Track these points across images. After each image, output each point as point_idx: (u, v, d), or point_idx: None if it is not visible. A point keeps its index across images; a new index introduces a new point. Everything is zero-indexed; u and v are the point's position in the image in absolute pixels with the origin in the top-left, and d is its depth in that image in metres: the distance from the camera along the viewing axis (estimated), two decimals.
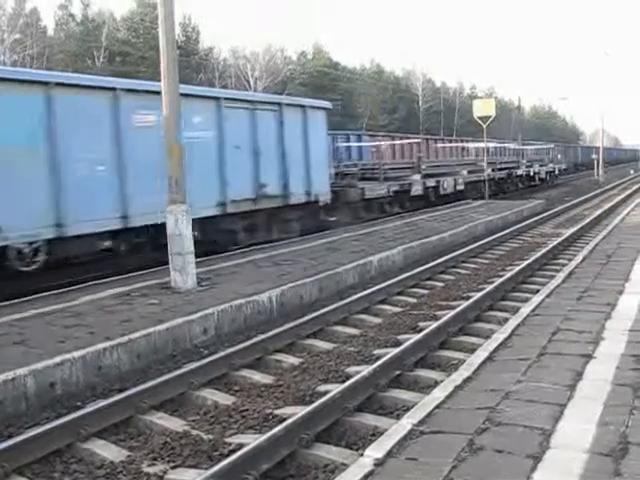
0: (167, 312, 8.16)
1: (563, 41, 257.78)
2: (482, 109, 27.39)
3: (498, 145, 41.58)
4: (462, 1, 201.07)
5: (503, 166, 32.65)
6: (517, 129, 73.94)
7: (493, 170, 29.89)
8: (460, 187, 25.45)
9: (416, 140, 32.37)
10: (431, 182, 23.29)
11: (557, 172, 42.28)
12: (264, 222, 14.68)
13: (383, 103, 76.44)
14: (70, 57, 53.09)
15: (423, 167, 23.99)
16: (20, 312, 8.38)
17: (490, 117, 26.47)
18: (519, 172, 33.77)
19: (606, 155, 60.28)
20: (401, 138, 32.40)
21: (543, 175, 38.03)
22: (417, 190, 22.12)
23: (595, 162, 52.04)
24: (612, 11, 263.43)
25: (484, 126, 26.33)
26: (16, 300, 9.08)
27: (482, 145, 32.85)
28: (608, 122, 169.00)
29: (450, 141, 37.75)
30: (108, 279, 10.49)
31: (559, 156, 52.26)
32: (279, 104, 15.25)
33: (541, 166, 38.36)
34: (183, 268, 9.52)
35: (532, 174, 36.13)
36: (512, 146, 44.45)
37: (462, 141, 39.84)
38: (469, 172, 27.33)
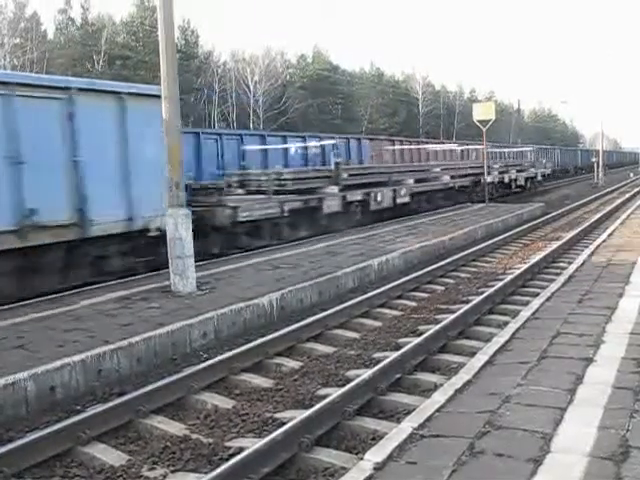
0: (167, 316, 8.16)
1: (563, 44, 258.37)
2: (482, 113, 27.36)
3: (462, 148, 38.20)
4: (462, 5, 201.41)
5: (468, 172, 28.05)
6: (517, 132, 74.12)
7: (453, 177, 25.89)
8: (403, 200, 20.89)
9: (331, 142, 25.14)
10: (355, 195, 18.39)
11: (540, 178, 37.89)
12: (48, 266, 10.31)
13: (383, 107, 76.48)
14: (70, 61, 53.14)
15: (344, 176, 18.60)
16: (20, 316, 8.38)
17: (490, 121, 26.46)
18: (489, 179, 28.64)
19: (606, 158, 60.32)
20: (322, 139, 26.47)
21: (522, 182, 33.61)
22: (332, 206, 17.28)
23: (595, 165, 51.97)
24: (612, 14, 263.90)
25: (484, 130, 26.33)
26: (16, 304, 9.08)
27: (440, 148, 31.21)
28: (608, 125, 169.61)
29: (402, 142, 31.76)
30: (108, 283, 10.49)
31: (543, 160, 47.88)
32: (67, 89, 10.50)
33: (519, 172, 33.90)
34: (183, 272, 9.52)
35: (507, 181, 31.69)
36: (484, 149, 40.77)
37: (419, 143, 34.43)
38: (417, 181, 22.95)
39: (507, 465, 3.71)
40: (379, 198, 19.28)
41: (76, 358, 6.49)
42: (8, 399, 5.79)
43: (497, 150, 42.33)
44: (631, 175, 58.89)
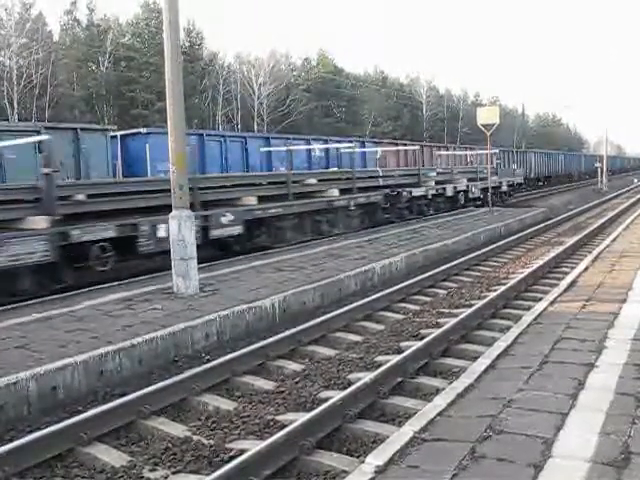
0: (169, 317, 8.16)
1: (568, 49, 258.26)
2: (486, 117, 27.26)
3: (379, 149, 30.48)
4: (467, 9, 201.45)
5: (381, 183, 20.33)
6: (521, 137, 74.13)
7: (343, 191, 17.92)
8: (222, 233, 12.94)
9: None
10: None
11: (506, 189, 30.81)
12: None
13: (387, 110, 76.53)
14: (75, 62, 53.25)
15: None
16: (22, 316, 8.39)
17: (494, 125, 26.43)
18: (419, 192, 21.57)
19: (610, 163, 60.23)
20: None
21: (477, 194, 26.37)
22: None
23: (598, 170, 51.91)
24: (616, 20, 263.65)
25: (488, 134, 26.30)
26: (18, 304, 9.10)
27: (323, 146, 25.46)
28: (612, 130, 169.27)
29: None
30: (111, 284, 10.50)
31: (513, 166, 40.54)
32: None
33: (471, 180, 26.65)
34: (186, 273, 9.53)
35: (451, 194, 24.27)
36: (412, 149, 32.85)
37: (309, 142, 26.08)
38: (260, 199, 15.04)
39: (508, 470, 3.70)
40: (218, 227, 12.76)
41: (78, 358, 6.49)
42: (10, 399, 5.80)
43: (444, 153, 36.61)
44: (635, 181, 58.83)
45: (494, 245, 15.99)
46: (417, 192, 21.45)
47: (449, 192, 24.06)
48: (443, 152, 36.99)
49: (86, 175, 15.95)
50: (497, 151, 38.25)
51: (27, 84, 47.34)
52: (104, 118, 50.96)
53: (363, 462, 4.02)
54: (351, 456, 4.90)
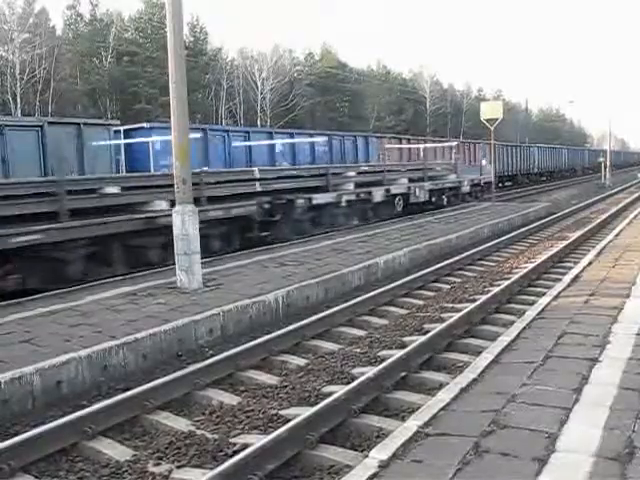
0: (173, 312, 8.17)
1: (572, 44, 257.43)
2: (489, 112, 27.29)
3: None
4: (470, 3, 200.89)
5: (259, 189, 14.85)
6: (524, 131, 73.98)
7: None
8: None
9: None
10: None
11: (469, 189, 25.84)
12: None
13: (390, 105, 76.39)
14: (78, 57, 53.25)
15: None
16: (26, 311, 8.41)
17: (498, 119, 26.40)
18: (324, 199, 16.48)
19: (613, 158, 60.08)
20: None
21: (423, 198, 21.52)
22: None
23: (602, 165, 51.80)
24: (620, 15, 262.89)
25: (491, 128, 26.28)
26: (22, 299, 9.12)
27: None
28: (615, 125, 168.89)
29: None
30: (115, 278, 10.51)
31: (482, 161, 33.89)
32: None
33: (415, 182, 21.70)
34: (189, 268, 9.53)
35: (381, 199, 19.04)
36: (320, 140, 24.92)
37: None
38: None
39: (512, 464, 3.70)
40: None
41: (82, 353, 6.51)
42: (14, 393, 5.82)
43: (395, 146, 30.47)
44: (639, 175, 58.68)
45: (498, 240, 15.98)
46: (321, 199, 16.00)
47: (378, 197, 18.74)
48: (394, 145, 30.61)
49: (90, 170, 15.93)
50: (455, 144, 33.92)
51: (30, 79, 47.38)
52: (107, 113, 50.97)
53: (367, 457, 4.02)
54: (355, 451, 4.90)
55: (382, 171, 20.87)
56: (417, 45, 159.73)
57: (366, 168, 21.23)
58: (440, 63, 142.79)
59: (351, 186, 18.19)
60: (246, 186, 14.58)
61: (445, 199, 23.38)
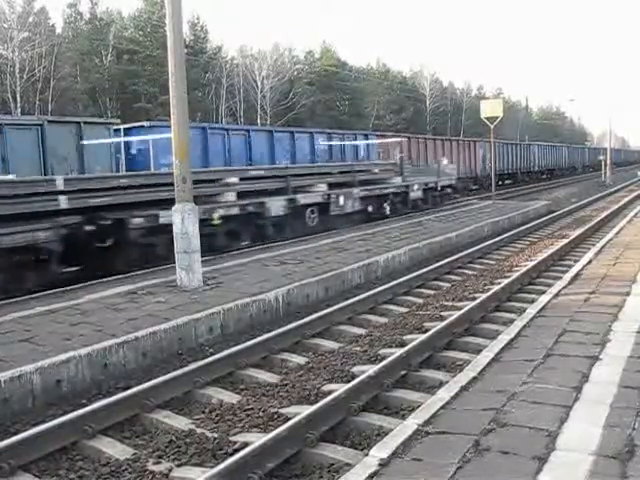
0: (173, 310, 8.17)
1: (571, 42, 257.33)
2: (489, 110, 27.21)
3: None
4: (471, 1, 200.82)
5: (63, 206, 10.71)
6: (524, 130, 73.96)
7: None
8: None
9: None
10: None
11: (419, 194, 21.50)
12: None
13: (390, 103, 76.34)
14: (78, 55, 53.19)
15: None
16: (26, 309, 8.41)
17: (498, 118, 26.36)
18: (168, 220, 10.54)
19: (613, 156, 60.04)
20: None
21: (351, 207, 17.54)
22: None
23: (602, 163, 51.77)
24: (620, 13, 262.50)
25: (491, 127, 26.24)
26: (21, 297, 9.11)
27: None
28: (616, 123, 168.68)
29: None
30: (113, 277, 10.51)
31: (443, 161, 27.93)
32: None
33: (338, 188, 17.39)
34: (189, 266, 9.53)
35: (286, 212, 15.19)
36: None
37: None
38: None
39: (512, 463, 3.70)
40: None
41: (82, 352, 6.51)
42: (15, 392, 5.82)
43: (325, 143, 25.24)
44: (639, 173, 58.65)
45: (498, 238, 15.97)
46: (165, 219, 10.95)
47: (276, 210, 14.79)
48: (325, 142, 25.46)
49: (90, 169, 15.93)
50: (400, 140, 29.45)
51: (30, 77, 47.31)
52: (107, 112, 50.93)
53: (367, 455, 4.02)
54: (355, 449, 4.90)
55: (285, 176, 16.05)
56: (417, 43, 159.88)
57: (256, 173, 16.10)
58: (440, 61, 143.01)
59: (231, 196, 14.12)
60: (41, 201, 10.48)
61: (387, 208, 19.48)
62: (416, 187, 21.24)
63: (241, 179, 14.86)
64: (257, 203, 14.45)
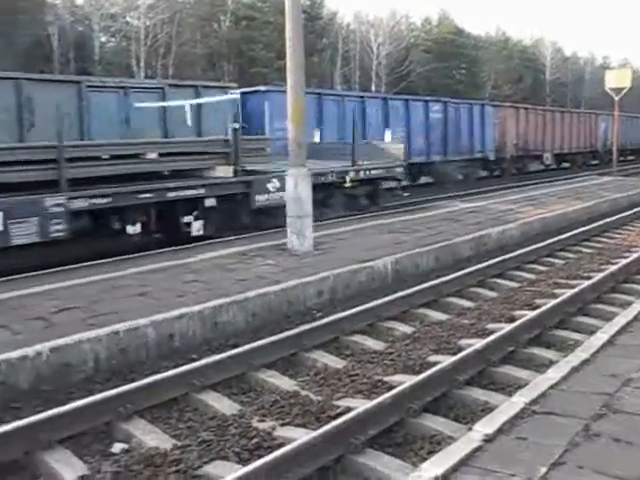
0: (283, 273, 8.30)
1: None
2: (615, 80, 25.83)
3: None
4: None
5: None
6: None
7: None
8: None
9: None
10: None
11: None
12: None
13: (508, 72, 73.98)
14: (199, 21, 54.35)
15: None
16: (140, 266, 8.74)
17: (624, 89, 25.01)
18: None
19: None
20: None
21: (198, 228, 11.13)
22: None
23: None
24: None
25: (616, 98, 24.95)
26: (135, 255, 9.47)
27: None
28: None
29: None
30: (226, 238, 10.76)
31: (386, 136, 18.25)
32: None
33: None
34: (300, 231, 9.63)
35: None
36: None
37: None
38: None
39: (624, 451, 3.55)
40: None
41: (195, 309, 6.73)
42: (131, 343, 6.10)
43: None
44: None
45: (617, 216, 15.26)
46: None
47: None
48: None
49: (207, 131, 16.30)
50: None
51: (153, 43, 48.82)
52: (225, 76, 51.88)
53: (471, 429, 3.97)
54: (458, 423, 4.85)
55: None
56: (538, 11, 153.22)
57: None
58: (562, 30, 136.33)
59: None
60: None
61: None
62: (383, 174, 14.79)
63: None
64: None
